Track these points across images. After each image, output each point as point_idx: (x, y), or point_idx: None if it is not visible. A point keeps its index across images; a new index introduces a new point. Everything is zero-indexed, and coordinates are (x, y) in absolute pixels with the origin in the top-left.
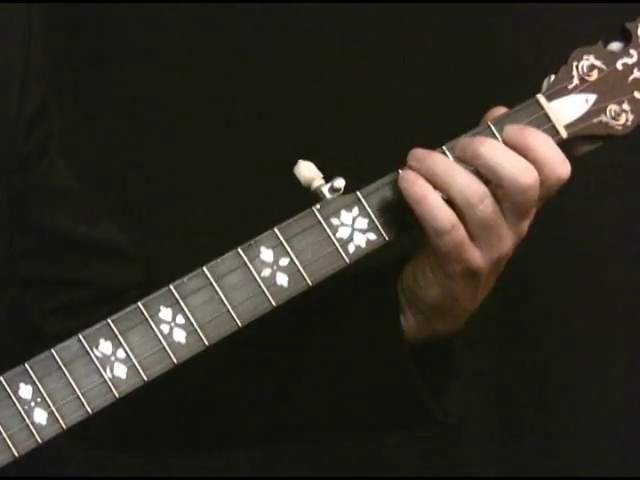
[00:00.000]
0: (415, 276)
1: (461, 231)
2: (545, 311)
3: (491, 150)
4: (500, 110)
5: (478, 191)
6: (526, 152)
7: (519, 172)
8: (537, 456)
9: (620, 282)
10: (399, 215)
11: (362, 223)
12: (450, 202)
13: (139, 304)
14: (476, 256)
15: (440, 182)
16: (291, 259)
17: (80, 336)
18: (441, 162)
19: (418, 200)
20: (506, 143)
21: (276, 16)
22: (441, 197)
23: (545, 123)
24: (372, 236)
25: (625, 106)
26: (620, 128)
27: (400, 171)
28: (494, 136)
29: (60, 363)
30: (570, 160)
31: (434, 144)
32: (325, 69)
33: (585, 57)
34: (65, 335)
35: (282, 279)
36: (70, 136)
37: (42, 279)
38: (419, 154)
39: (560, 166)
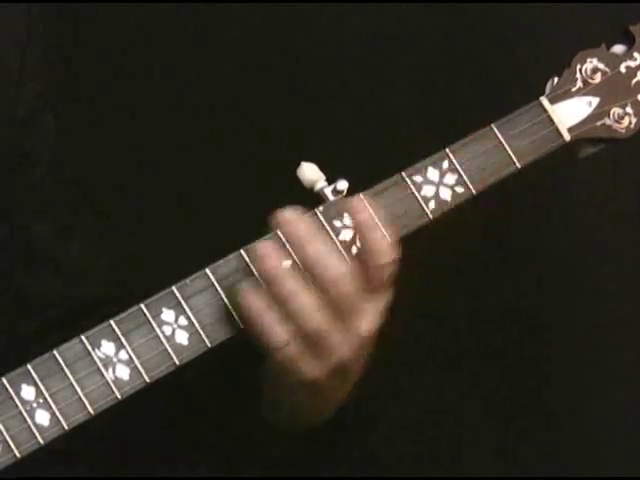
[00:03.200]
0: (266, 379)
1: (293, 347)
2: (545, 311)
3: (314, 248)
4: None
5: (310, 302)
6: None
7: (335, 271)
8: (537, 456)
9: (620, 282)
10: (402, 218)
11: None
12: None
13: (141, 305)
14: (311, 368)
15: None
16: (294, 261)
17: (82, 337)
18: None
19: (254, 318)
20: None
21: (277, 16)
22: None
23: (548, 126)
24: None
25: (628, 109)
26: (623, 131)
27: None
28: (497, 139)
29: (62, 364)
30: (573, 162)
31: (436, 146)
32: (327, 70)
33: (588, 60)
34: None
35: None
36: (70, 136)
37: (17, 293)
38: (262, 252)
39: (380, 255)
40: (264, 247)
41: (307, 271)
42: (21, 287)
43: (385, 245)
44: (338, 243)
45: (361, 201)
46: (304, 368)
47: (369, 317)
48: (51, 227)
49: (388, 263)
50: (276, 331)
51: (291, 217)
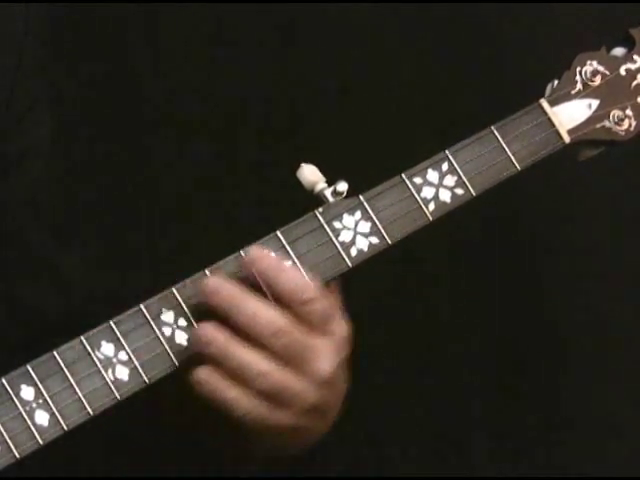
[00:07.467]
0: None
1: (259, 408)
2: (545, 311)
3: (235, 311)
4: None
5: (260, 365)
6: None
7: (267, 328)
8: (537, 456)
9: (620, 282)
10: (402, 219)
11: (364, 227)
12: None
13: (141, 306)
14: (281, 419)
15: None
16: (293, 262)
17: (82, 338)
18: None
19: (213, 396)
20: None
21: (277, 17)
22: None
23: (548, 128)
24: (374, 240)
25: (628, 111)
26: (623, 133)
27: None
28: (497, 141)
29: (62, 364)
30: (574, 164)
31: (437, 148)
32: (328, 71)
33: (588, 62)
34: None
35: None
36: (69, 135)
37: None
38: (205, 336)
39: (302, 295)
40: (204, 331)
41: (246, 335)
42: (16, 292)
43: (300, 280)
44: (338, 244)
45: (258, 250)
46: (275, 422)
47: (325, 355)
48: (47, 228)
49: (313, 298)
50: (238, 402)
51: (213, 287)
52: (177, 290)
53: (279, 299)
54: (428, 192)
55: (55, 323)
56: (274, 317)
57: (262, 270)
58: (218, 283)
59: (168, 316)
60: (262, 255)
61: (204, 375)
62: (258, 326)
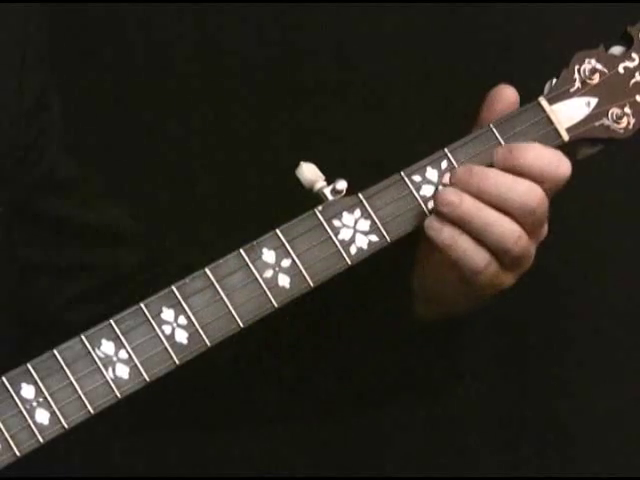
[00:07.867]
0: (434, 282)
1: (494, 266)
2: (546, 311)
3: (493, 182)
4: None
5: (512, 233)
6: (522, 173)
7: (525, 196)
8: (537, 456)
9: (620, 282)
10: (401, 217)
11: (364, 225)
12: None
13: (141, 304)
14: (509, 280)
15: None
16: (293, 260)
17: (82, 336)
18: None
19: (449, 247)
20: (500, 168)
21: (277, 16)
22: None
23: (547, 126)
24: (374, 238)
25: (627, 109)
26: (622, 131)
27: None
28: (496, 139)
29: (62, 363)
30: (571, 162)
31: (436, 146)
32: (327, 70)
33: (587, 60)
34: (81, 325)
35: (284, 280)
36: (70, 132)
37: (51, 268)
38: (447, 200)
39: (558, 169)
40: (445, 195)
41: (501, 207)
42: (55, 259)
43: (556, 156)
44: (338, 243)
45: (515, 144)
46: (500, 281)
47: (547, 220)
48: (73, 203)
49: (566, 171)
50: (474, 258)
51: (464, 172)
52: (177, 288)
53: (532, 176)
54: (427, 190)
55: (92, 287)
56: (531, 188)
57: (523, 155)
58: (468, 168)
59: (168, 314)
60: (524, 144)
61: (436, 224)
62: (514, 197)
